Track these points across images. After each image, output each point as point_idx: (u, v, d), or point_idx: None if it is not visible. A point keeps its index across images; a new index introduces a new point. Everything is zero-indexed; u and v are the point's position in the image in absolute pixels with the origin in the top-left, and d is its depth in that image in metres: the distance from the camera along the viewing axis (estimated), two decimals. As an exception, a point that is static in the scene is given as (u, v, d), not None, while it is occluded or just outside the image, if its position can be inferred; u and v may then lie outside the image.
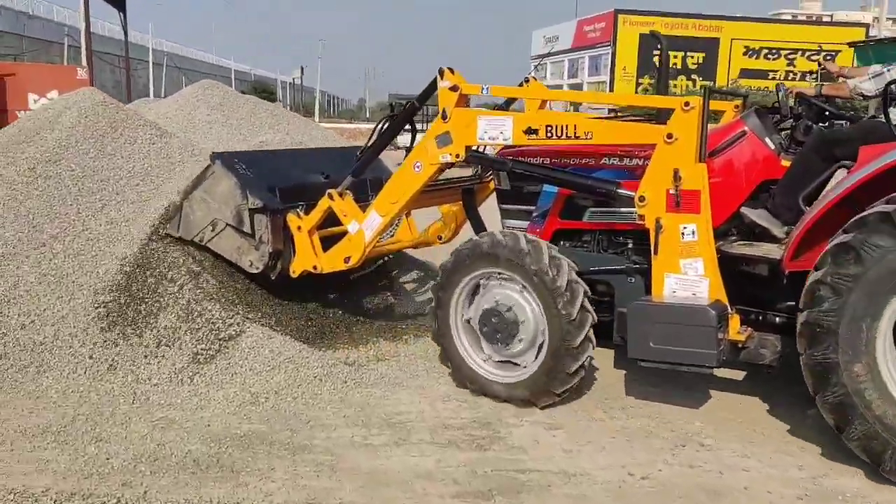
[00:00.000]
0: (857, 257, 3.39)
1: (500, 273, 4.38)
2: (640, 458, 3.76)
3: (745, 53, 35.64)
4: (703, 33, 34.79)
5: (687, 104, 3.88)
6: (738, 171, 4.39)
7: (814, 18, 54.33)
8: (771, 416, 4.26)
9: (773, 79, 33.09)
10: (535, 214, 4.97)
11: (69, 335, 4.66)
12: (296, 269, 5.10)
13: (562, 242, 4.81)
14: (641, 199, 3.99)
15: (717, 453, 3.83)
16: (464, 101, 4.55)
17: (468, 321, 4.56)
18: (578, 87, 37.78)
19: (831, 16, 57.42)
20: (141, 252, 5.08)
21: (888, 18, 30.94)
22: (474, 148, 4.62)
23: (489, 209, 5.60)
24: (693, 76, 34.66)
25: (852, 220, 3.46)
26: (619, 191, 4.20)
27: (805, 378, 3.63)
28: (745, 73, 33.89)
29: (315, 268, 5.05)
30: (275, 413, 4.24)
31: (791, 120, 4.71)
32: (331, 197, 4.92)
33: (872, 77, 4.27)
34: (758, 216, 4.31)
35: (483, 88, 4.59)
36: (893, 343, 3.50)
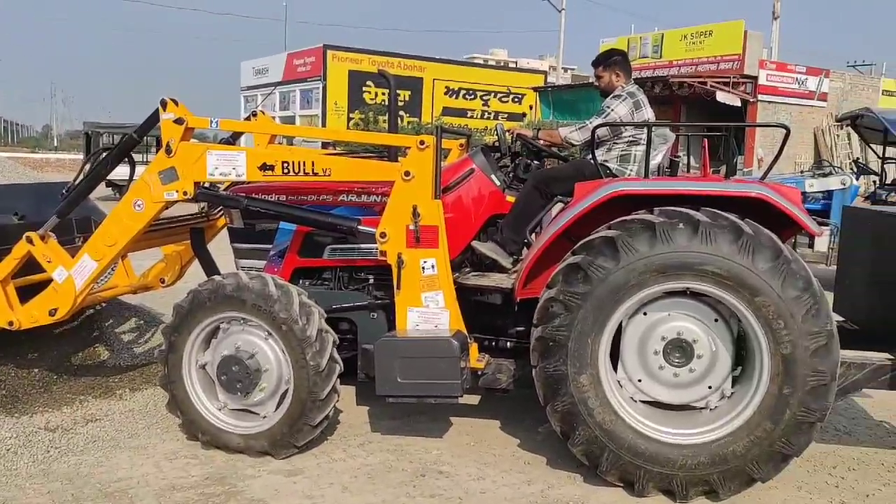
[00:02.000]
0: (585, 276, 3.71)
1: (243, 318, 4.11)
2: (383, 495, 3.73)
3: (446, 93, 38.18)
4: (408, 72, 36.60)
5: (422, 143, 3.99)
6: (469, 206, 4.63)
7: (501, 64, 60.15)
8: (504, 436, 4.49)
9: (472, 117, 36.01)
10: (272, 253, 4.79)
11: None
12: None
13: (301, 281, 4.71)
14: (383, 235, 4.04)
15: (455, 479, 3.93)
16: (189, 134, 4.27)
17: (203, 366, 4.22)
18: (291, 119, 37.70)
19: (516, 62, 63.96)
20: None
21: (563, 68, 35.30)
22: (204, 184, 4.34)
23: (219, 248, 5.26)
24: (401, 113, 36.36)
25: (581, 242, 3.80)
26: (361, 228, 4.20)
27: (537, 389, 3.88)
28: (448, 111, 36.27)
29: (11, 324, 4.38)
30: (-44, 499, 3.54)
31: (510, 158, 5.08)
32: (30, 241, 4.35)
33: (579, 129, 4.75)
34: (487, 249, 4.60)
35: (212, 122, 4.35)
36: (610, 356, 3.88)
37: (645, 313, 3.83)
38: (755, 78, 22.67)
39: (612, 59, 4.93)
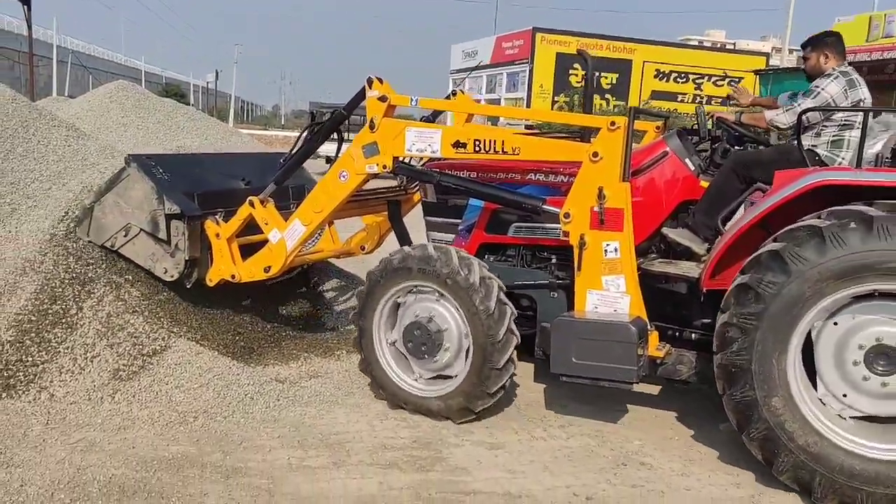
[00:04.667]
0: (757, 296, 3.50)
1: (415, 286, 4.34)
2: (583, 479, 3.75)
3: (655, 76, 36.91)
4: (616, 54, 35.81)
5: (613, 123, 3.92)
6: (660, 190, 4.51)
7: (718, 46, 56.93)
8: (709, 436, 4.30)
9: (682, 101, 34.50)
10: (461, 228, 4.95)
11: (-26, 349, 4.30)
12: (213, 277, 4.91)
13: (487, 256, 4.83)
14: (566, 215, 4.03)
15: (658, 472, 3.85)
16: (392, 111, 4.48)
17: (393, 344, 4.48)
18: (496, 102, 38.21)
19: (734, 44, 60.30)
20: (55, 261, 4.76)
21: (789, 49, 32.70)
22: (402, 159, 4.56)
23: (416, 220, 5.53)
24: (607, 96, 35.64)
25: (748, 260, 3.58)
26: (545, 207, 4.23)
27: (729, 417, 3.72)
28: (656, 95, 35.06)
29: (233, 277, 4.87)
30: (205, 433, 4.02)
31: (709, 142, 4.85)
32: (251, 204, 4.75)
33: (786, 111, 4.43)
34: (678, 235, 4.44)
35: (412, 100, 4.53)
36: (804, 373, 3.62)
37: (836, 323, 3.53)
38: None
39: (823, 40, 4.55)
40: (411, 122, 4.61)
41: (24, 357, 4.35)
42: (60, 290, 4.64)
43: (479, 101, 36.61)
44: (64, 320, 4.54)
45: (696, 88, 36.04)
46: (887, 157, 4.29)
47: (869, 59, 22.99)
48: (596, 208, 3.93)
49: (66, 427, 3.97)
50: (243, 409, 4.32)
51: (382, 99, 4.40)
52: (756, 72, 26.10)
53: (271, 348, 5.37)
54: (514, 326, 4.19)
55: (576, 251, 4.02)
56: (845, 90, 4.33)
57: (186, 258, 4.78)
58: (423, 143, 4.37)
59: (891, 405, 3.51)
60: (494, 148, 4.21)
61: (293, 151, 4.96)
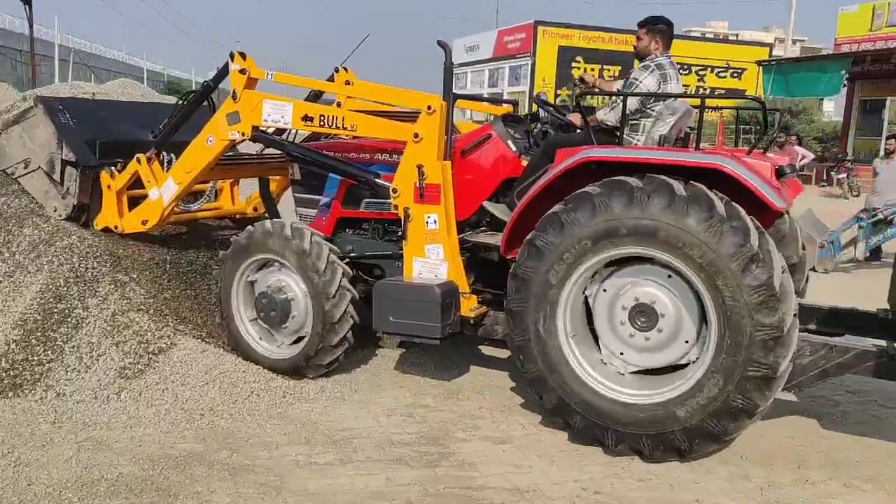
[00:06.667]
0: (537, 250, 3.96)
1: (262, 260, 4.81)
2: (591, 473, 3.74)
3: (658, 68, 36.75)
4: (619, 47, 35.56)
5: (430, 107, 4.35)
6: (485, 169, 4.86)
7: (720, 36, 56.69)
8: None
9: (686, 93, 34.36)
10: (321, 203, 5.27)
11: (-20, 349, 4.30)
12: (98, 224, 5.26)
13: (346, 230, 5.21)
14: (394, 190, 4.48)
15: (666, 466, 3.84)
16: (253, 83, 4.85)
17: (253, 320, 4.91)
18: (499, 96, 38.14)
19: (737, 34, 60.02)
20: (59, 260, 4.76)
21: (793, 39, 32.55)
22: (267, 130, 4.92)
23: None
24: (609, 88, 35.47)
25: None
26: (377, 181, 4.67)
27: (513, 356, 4.19)
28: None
29: (116, 227, 5.23)
30: (211, 431, 4.02)
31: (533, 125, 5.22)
32: (138, 161, 5.09)
33: (612, 109, 4.65)
34: (495, 209, 4.81)
35: (268, 74, 4.90)
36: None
37: (605, 290, 4.01)
38: None
39: (657, 26, 4.76)
40: (268, 94, 4.90)
41: (30, 356, 4.35)
42: (65, 288, 4.64)
43: (481, 94, 36.66)
44: (69, 319, 4.54)
45: (699, 80, 35.85)
46: (678, 139, 4.79)
47: (873, 48, 22.88)
48: (417, 184, 4.35)
49: (73, 425, 3.97)
50: (249, 406, 4.33)
51: (243, 72, 4.79)
52: (759, 62, 25.97)
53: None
54: (346, 283, 4.62)
55: (403, 223, 4.49)
56: (659, 83, 4.59)
57: (75, 203, 5.15)
58: (276, 114, 4.75)
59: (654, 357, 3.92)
60: (336, 124, 4.66)
61: (170, 119, 5.26)
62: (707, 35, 55.89)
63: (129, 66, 56.09)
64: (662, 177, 3.75)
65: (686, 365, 3.87)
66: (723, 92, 32.40)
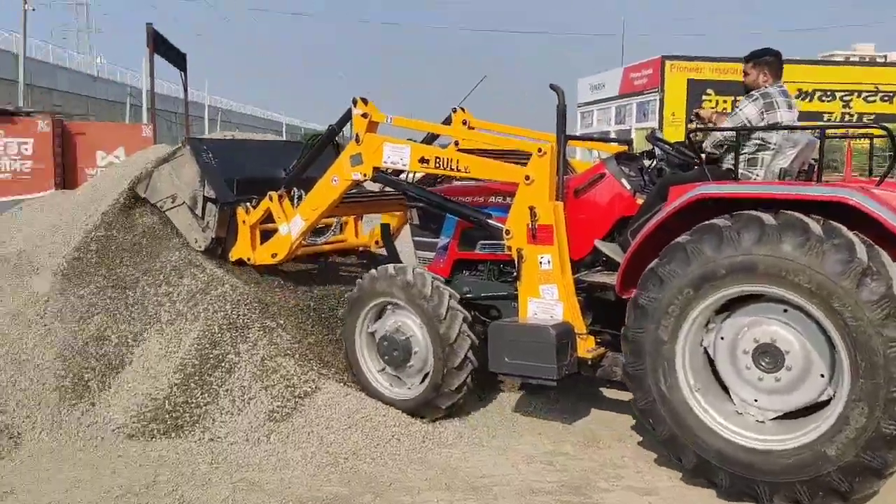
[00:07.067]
0: (660, 281, 3.87)
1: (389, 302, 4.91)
2: (745, 528, 3.53)
3: (798, 96, 34.98)
4: (753, 77, 34.43)
5: (540, 150, 4.41)
6: (599, 208, 4.86)
7: (867, 60, 53.47)
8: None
9: (830, 120, 32.53)
10: (439, 246, 5.41)
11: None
12: (233, 255, 5.63)
13: (463, 271, 5.32)
14: (507, 232, 4.54)
15: (829, 523, 3.57)
16: (374, 127, 5.07)
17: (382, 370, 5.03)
18: (627, 132, 37.60)
19: (885, 56, 56.35)
20: (213, 308, 5.08)
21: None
22: (386, 171, 5.13)
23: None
24: (744, 120, 34.20)
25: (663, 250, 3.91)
26: (489, 222, 4.76)
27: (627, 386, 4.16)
28: (800, 117, 33.34)
29: (248, 259, 5.57)
30: (355, 475, 4.12)
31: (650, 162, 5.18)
32: (270, 199, 5.41)
33: (709, 138, 4.67)
34: (609, 249, 4.74)
35: (387, 118, 5.11)
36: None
37: (722, 338, 3.87)
38: None
39: (763, 58, 4.66)
40: (388, 137, 5.14)
41: (189, 399, 4.65)
42: (219, 335, 4.93)
43: (608, 132, 36.26)
44: (223, 364, 4.82)
45: (843, 106, 33.92)
46: (801, 171, 4.63)
47: None
48: (529, 225, 4.37)
49: (228, 466, 4.18)
50: (390, 451, 4.40)
51: (365, 116, 5.04)
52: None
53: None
54: (466, 328, 4.66)
55: (517, 264, 4.51)
56: (762, 112, 4.48)
57: (213, 236, 5.54)
58: (396, 157, 4.97)
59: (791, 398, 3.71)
60: (450, 165, 4.78)
61: (298, 160, 5.63)
62: (852, 59, 52.86)
63: (269, 122, 59.77)
64: (750, 212, 3.67)
65: (829, 401, 3.62)
66: (872, 118, 30.43)
